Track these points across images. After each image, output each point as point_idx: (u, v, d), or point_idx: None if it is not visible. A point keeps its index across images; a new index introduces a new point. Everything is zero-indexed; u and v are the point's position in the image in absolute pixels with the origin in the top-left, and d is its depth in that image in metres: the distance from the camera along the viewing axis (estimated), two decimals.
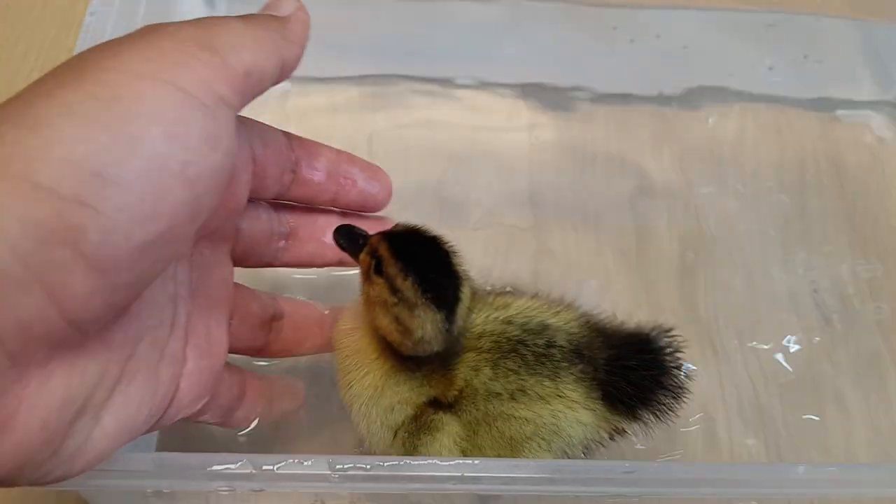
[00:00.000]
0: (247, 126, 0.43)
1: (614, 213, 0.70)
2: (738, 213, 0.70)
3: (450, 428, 0.45)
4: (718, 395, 0.60)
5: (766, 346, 0.63)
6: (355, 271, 0.46)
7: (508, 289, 0.52)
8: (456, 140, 0.73)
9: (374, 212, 0.51)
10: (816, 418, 0.60)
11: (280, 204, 0.48)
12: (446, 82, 0.76)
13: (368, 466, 0.38)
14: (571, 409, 0.45)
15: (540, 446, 0.45)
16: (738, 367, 0.62)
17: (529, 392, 0.45)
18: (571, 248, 0.68)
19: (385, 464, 0.39)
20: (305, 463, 0.38)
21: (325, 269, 0.53)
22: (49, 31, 0.76)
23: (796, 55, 0.74)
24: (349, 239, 0.45)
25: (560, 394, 0.45)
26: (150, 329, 0.36)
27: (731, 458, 0.58)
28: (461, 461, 0.39)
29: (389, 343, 0.44)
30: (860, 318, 0.65)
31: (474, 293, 0.46)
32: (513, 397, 0.44)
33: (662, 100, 0.77)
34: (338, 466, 0.38)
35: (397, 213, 0.51)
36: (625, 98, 0.77)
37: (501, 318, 0.46)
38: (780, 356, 0.62)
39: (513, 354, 0.45)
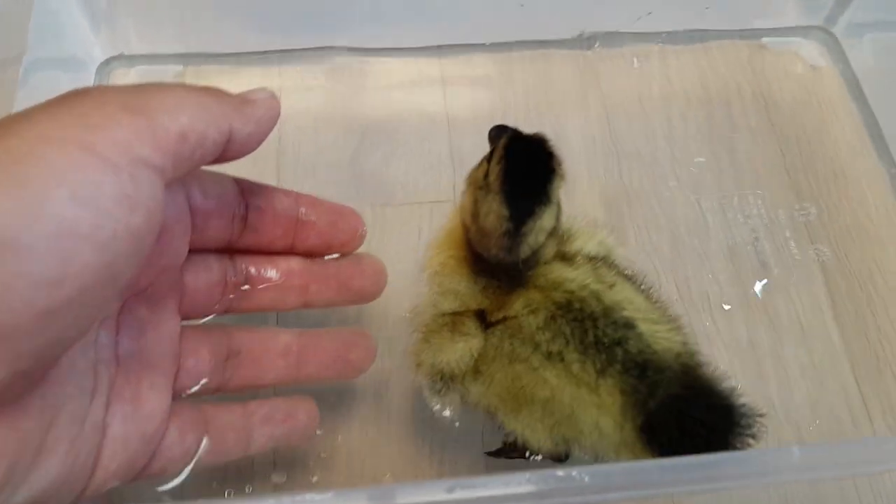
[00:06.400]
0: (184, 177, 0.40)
1: None
2: (666, 162, 0.67)
3: (474, 341, 0.44)
4: None
5: (705, 300, 0.60)
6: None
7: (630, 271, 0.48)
8: (368, 110, 0.69)
9: (343, 253, 0.48)
10: (763, 374, 0.57)
11: (236, 250, 0.46)
12: (353, 50, 0.71)
13: None
14: (600, 410, 0.42)
15: (542, 418, 0.43)
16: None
17: (568, 366, 0.42)
18: None
19: None
20: None
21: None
22: None
23: None
24: (498, 133, 0.46)
25: (595, 391, 0.41)
26: (69, 398, 0.35)
27: None
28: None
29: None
30: (800, 263, 0.62)
31: (558, 225, 0.45)
32: (548, 357, 0.42)
33: (584, 44, 0.73)
34: None
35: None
36: (544, 45, 0.73)
37: (595, 289, 0.44)
38: (720, 308, 0.60)
39: (575, 323, 0.42)
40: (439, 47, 0.72)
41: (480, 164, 0.45)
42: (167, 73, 0.70)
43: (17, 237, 0.27)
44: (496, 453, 0.51)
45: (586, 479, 0.35)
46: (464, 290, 0.46)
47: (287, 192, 0.46)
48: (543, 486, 0.34)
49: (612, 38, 0.73)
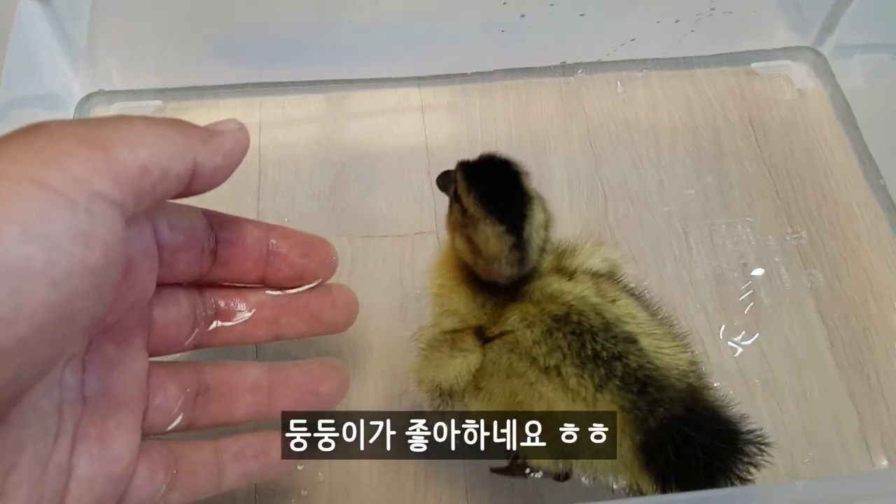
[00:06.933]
0: (150, 211, 0.39)
1: None
2: (653, 189, 0.65)
3: (472, 357, 0.43)
4: None
5: (695, 329, 0.59)
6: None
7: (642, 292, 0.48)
8: (348, 141, 0.68)
9: (314, 283, 0.48)
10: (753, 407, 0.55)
11: (206, 283, 0.45)
12: (332, 82, 0.71)
13: None
14: None
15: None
16: None
17: (565, 380, 0.41)
18: None
19: None
20: None
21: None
22: None
23: (702, 9, 0.68)
24: (445, 182, 0.46)
25: (593, 406, 0.40)
26: (31, 439, 0.34)
27: None
28: None
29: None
30: (792, 289, 0.60)
31: (549, 216, 0.44)
32: (545, 371, 0.41)
33: (566, 71, 0.72)
34: None
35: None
36: (526, 73, 0.72)
37: (595, 302, 0.43)
38: (710, 336, 0.58)
39: (572, 336, 0.41)
40: (419, 77, 0.71)
41: (451, 208, 0.45)
42: (147, 107, 0.69)
43: None
44: (501, 471, 0.49)
45: None
46: (463, 309, 0.45)
47: (257, 224, 0.46)
48: None
49: (595, 65, 0.72)
